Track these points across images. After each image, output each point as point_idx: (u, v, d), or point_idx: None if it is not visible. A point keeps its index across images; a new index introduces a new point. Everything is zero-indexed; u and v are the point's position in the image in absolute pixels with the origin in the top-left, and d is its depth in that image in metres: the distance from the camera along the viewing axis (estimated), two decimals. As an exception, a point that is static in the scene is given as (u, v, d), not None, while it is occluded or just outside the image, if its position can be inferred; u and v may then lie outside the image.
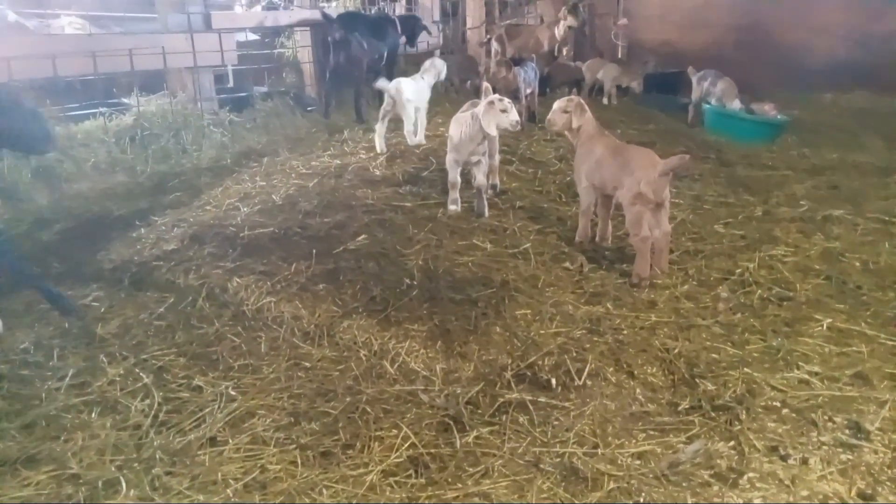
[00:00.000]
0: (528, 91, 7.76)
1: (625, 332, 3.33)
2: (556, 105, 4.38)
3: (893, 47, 9.80)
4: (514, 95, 7.18)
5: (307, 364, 3.09)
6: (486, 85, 5.03)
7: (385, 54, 8.64)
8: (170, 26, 7.09)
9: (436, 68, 6.82)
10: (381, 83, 6.31)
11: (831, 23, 10.33)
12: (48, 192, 5.37)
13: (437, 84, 7.06)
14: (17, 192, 5.21)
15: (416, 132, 6.47)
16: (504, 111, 4.32)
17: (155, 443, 2.56)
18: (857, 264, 4.00)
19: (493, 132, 4.40)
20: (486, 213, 4.74)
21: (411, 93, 6.30)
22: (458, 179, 4.79)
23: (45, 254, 4.31)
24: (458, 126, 4.64)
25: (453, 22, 14.02)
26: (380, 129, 6.30)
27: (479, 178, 4.70)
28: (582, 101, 4.36)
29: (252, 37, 9.77)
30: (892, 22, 9.91)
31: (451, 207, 4.77)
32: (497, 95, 4.45)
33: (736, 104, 7.78)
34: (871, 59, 9.88)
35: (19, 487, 2.34)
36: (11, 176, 5.34)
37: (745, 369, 2.98)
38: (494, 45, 10.65)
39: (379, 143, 6.30)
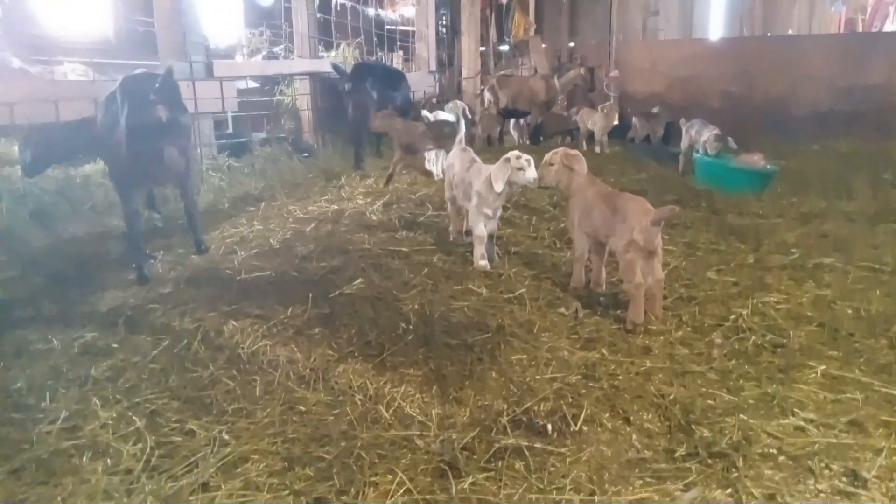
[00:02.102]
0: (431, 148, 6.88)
1: (620, 377, 3.33)
2: (545, 158, 4.45)
3: (877, 96, 10.10)
4: (413, 149, 6.62)
5: (302, 408, 3.07)
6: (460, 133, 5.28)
7: (396, 105, 8.93)
8: (172, 74, 7.23)
9: (458, 107, 7.84)
10: (424, 112, 7.46)
11: (816, 72, 10.67)
12: (45, 235, 5.40)
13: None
14: (14, 233, 5.23)
15: (435, 164, 7.19)
16: (520, 169, 4.35)
17: (146, 488, 2.52)
18: (849, 311, 4.03)
19: (499, 188, 4.41)
20: (496, 259, 4.75)
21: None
22: (486, 233, 4.64)
23: (40, 295, 4.30)
24: (486, 180, 4.54)
25: (449, 72, 14.37)
26: (429, 155, 7.12)
27: (490, 224, 4.68)
28: (570, 151, 4.43)
29: (252, 84, 9.97)
30: (875, 72, 10.24)
31: (481, 263, 4.60)
32: (515, 152, 4.43)
33: (708, 131, 7.94)
34: (856, 107, 10.17)
35: (6, 534, 2.30)
36: (9, 218, 5.37)
37: (741, 416, 2.97)
38: (487, 95, 10.92)
39: (433, 169, 7.16)
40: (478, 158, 4.91)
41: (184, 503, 2.45)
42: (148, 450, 2.74)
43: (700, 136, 8.27)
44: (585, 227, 4.24)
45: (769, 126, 10.22)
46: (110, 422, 2.92)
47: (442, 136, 6.58)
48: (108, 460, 2.68)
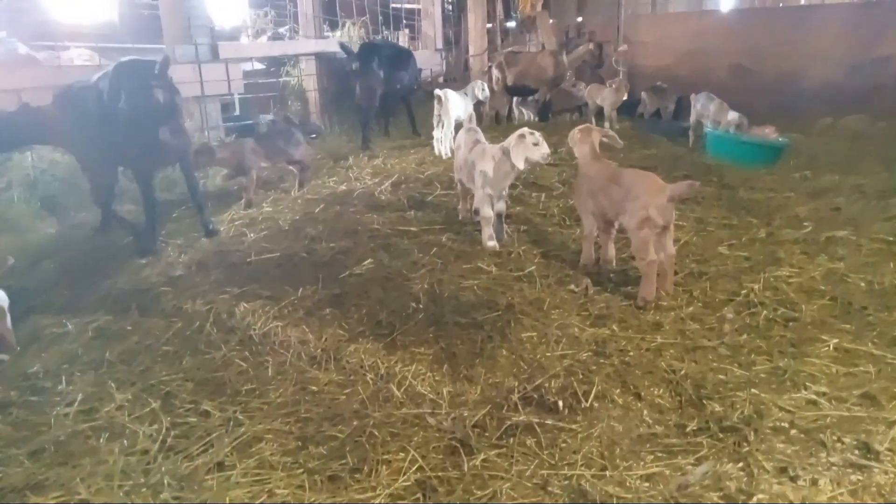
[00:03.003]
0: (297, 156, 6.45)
1: (631, 353, 3.33)
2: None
3: (887, 72, 9.91)
4: (242, 170, 6.00)
5: (314, 388, 3.10)
6: (470, 113, 5.24)
7: (405, 84, 8.94)
8: (178, 57, 7.21)
9: (476, 87, 8.07)
10: (436, 90, 7.46)
11: (826, 49, 10.47)
12: (56, 221, 5.44)
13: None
14: (26, 220, 5.27)
15: (443, 142, 7.31)
16: (536, 144, 4.32)
17: (163, 468, 2.55)
18: (862, 285, 3.99)
19: (522, 165, 4.35)
20: (505, 237, 4.74)
21: (454, 103, 7.31)
22: (493, 214, 4.64)
23: (53, 281, 4.34)
24: (491, 161, 4.53)
25: (456, 50, 14.23)
26: (437, 134, 7.29)
27: (499, 204, 4.68)
28: (583, 128, 4.42)
29: (258, 66, 9.92)
30: (885, 48, 10.03)
31: (489, 244, 4.61)
32: (527, 129, 4.41)
33: (731, 116, 7.86)
34: (866, 83, 9.99)
35: (27, 514, 2.34)
36: (20, 206, 5.40)
37: (753, 390, 2.97)
38: (495, 73, 10.81)
39: (437, 148, 7.27)
40: (483, 139, 4.87)
41: (200, 482, 2.48)
42: (164, 430, 2.78)
43: (706, 109, 8.19)
44: (592, 207, 4.22)
45: (780, 100, 10.08)
46: (126, 404, 2.96)
47: (275, 150, 6.20)
48: (125, 441, 2.72)
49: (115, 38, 10.04)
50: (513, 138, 4.39)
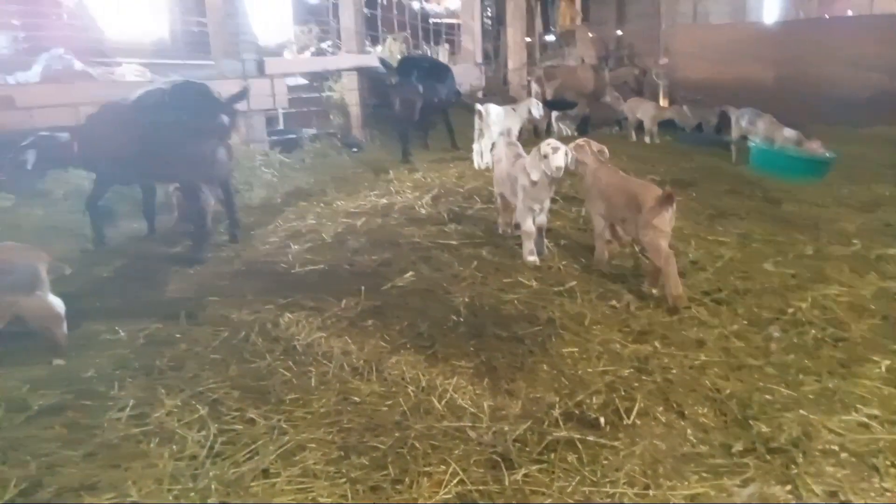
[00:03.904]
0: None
1: (674, 371, 3.29)
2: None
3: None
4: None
5: (356, 399, 3.13)
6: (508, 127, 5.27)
7: (443, 98, 9.03)
8: (225, 72, 7.43)
9: (528, 104, 8.05)
10: (477, 105, 7.69)
11: (870, 55, 10.22)
12: (108, 231, 5.61)
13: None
14: (81, 229, 5.45)
15: (483, 155, 7.44)
16: (545, 156, 4.33)
17: (210, 473, 2.61)
18: (915, 304, 3.89)
19: (535, 177, 4.40)
20: (546, 252, 4.73)
21: (496, 117, 7.41)
22: (534, 229, 4.63)
23: (105, 289, 4.49)
24: (529, 173, 4.53)
25: (495, 63, 14.31)
26: (476, 147, 7.48)
27: (540, 217, 4.66)
28: (579, 142, 4.69)
29: (301, 81, 10.13)
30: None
31: (530, 259, 4.58)
32: (548, 141, 4.43)
33: (788, 133, 7.67)
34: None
35: (82, 514, 2.42)
36: (75, 216, 5.60)
37: (801, 411, 2.91)
38: (534, 87, 10.84)
39: (476, 161, 7.45)
40: (523, 153, 4.89)
41: (246, 488, 2.54)
42: (211, 437, 2.84)
43: (753, 125, 8.05)
44: (601, 210, 4.45)
45: (822, 111, 9.85)
46: (175, 409, 3.03)
47: None
48: (174, 446, 2.79)
49: (165, 55, 10.38)
50: (532, 151, 4.43)
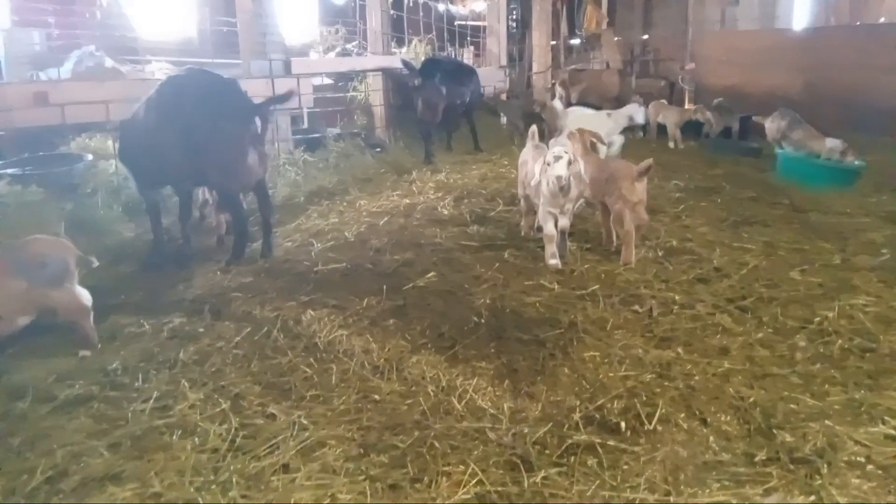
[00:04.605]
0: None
1: (696, 378, 3.26)
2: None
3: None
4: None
5: (376, 397, 3.15)
6: (532, 128, 5.32)
7: (466, 99, 9.01)
8: (252, 71, 7.51)
9: (628, 110, 7.81)
10: (554, 102, 8.10)
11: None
12: (135, 226, 5.71)
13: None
14: (109, 225, 5.55)
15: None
16: (548, 164, 4.32)
17: (231, 467, 2.64)
18: (946, 316, 3.80)
19: (534, 182, 4.52)
20: (567, 256, 4.70)
21: (573, 119, 7.59)
22: (555, 232, 4.62)
23: (132, 283, 4.56)
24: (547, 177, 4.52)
25: (519, 67, 14.29)
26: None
27: (563, 220, 4.65)
28: (573, 132, 5.28)
29: (326, 81, 10.22)
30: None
31: (552, 262, 4.56)
32: (557, 147, 4.48)
33: (832, 143, 7.48)
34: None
35: (106, 503, 2.46)
36: (104, 211, 5.70)
37: (826, 422, 2.86)
38: (558, 90, 10.80)
39: None
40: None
41: (266, 482, 2.56)
42: (233, 430, 2.87)
43: (791, 132, 7.91)
44: (587, 193, 5.01)
45: (851, 120, 9.67)
46: (198, 403, 3.08)
47: None
48: (196, 439, 2.83)
49: (194, 53, 10.52)
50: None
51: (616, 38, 15.12)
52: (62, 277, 3.56)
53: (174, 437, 2.84)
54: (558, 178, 4.27)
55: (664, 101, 10.32)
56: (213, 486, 2.54)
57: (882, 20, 16.44)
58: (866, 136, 8.96)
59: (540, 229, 4.78)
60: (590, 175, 4.84)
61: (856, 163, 7.27)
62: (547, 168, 4.33)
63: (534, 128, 5.87)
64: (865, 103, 10.10)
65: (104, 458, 2.71)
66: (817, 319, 3.77)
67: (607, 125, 7.63)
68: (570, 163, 4.33)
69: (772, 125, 8.29)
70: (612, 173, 4.75)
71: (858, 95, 10.26)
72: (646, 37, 15.52)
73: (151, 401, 3.10)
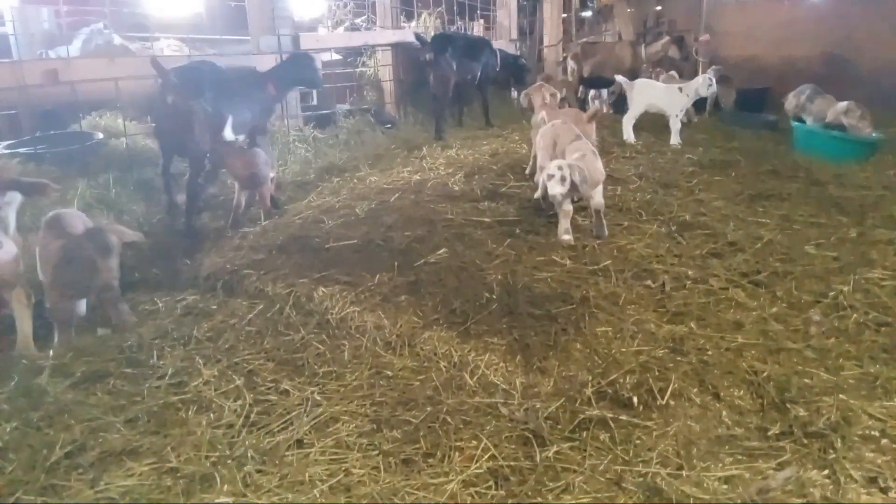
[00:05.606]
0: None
1: (709, 352, 3.24)
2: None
3: None
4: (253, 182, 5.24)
5: (389, 373, 3.17)
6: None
7: (478, 74, 8.91)
8: (261, 47, 7.45)
9: (696, 83, 7.77)
10: (619, 77, 8.21)
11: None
12: (147, 204, 5.72)
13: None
14: (121, 203, 5.57)
15: (625, 129, 7.81)
16: (552, 176, 4.34)
17: (246, 442, 2.67)
18: (964, 290, 3.75)
19: (537, 195, 4.60)
20: (606, 233, 4.64)
21: (638, 91, 7.86)
22: (570, 208, 4.59)
23: (146, 260, 4.58)
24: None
25: (530, 40, 14.10)
26: (625, 119, 7.92)
27: (597, 198, 4.60)
28: (536, 86, 6.08)
29: (335, 56, 10.13)
30: None
31: (565, 237, 4.53)
32: (558, 162, 4.44)
33: (839, 106, 7.34)
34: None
35: (124, 477, 2.50)
36: (116, 188, 5.72)
37: (840, 396, 2.84)
38: (570, 63, 10.64)
39: (625, 133, 7.81)
40: (582, 135, 4.90)
41: (281, 457, 2.59)
42: (247, 406, 2.90)
43: (811, 103, 7.78)
44: (541, 142, 5.24)
45: (872, 92, 9.48)
46: (212, 379, 3.11)
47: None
48: (212, 414, 2.86)
49: (202, 30, 10.45)
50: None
51: (629, 10, 14.85)
52: (114, 252, 3.62)
53: (190, 413, 2.88)
54: (553, 196, 4.40)
55: (675, 73, 10.15)
56: (229, 461, 2.57)
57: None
58: (890, 109, 8.80)
59: (545, 198, 4.73)
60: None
61: (873, 135, 7.14)
62: (549, 178, 4.39)
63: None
64: (887, 76, 9.90)
65: (122, 433, 2.75)
66: (832, 294, 3.74)
67: (681, 101, 7.79)
68: (563, 179, 4.32)
69: (791, 101, 8.16)
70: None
71: (879, 68, 10.05)
72: (659, 8, 15.23)
73: (167, 377, 3.14)
